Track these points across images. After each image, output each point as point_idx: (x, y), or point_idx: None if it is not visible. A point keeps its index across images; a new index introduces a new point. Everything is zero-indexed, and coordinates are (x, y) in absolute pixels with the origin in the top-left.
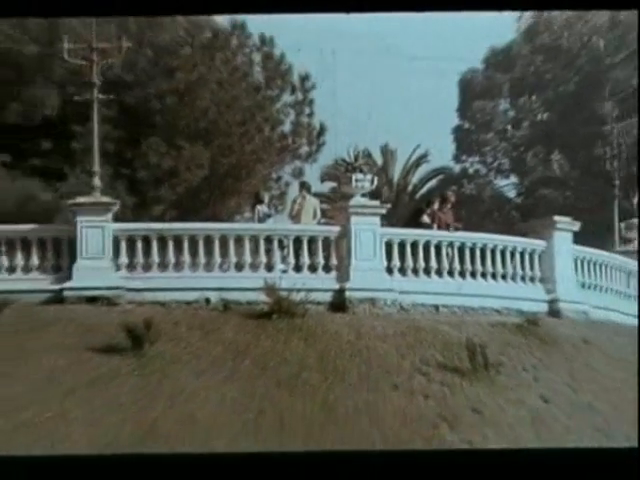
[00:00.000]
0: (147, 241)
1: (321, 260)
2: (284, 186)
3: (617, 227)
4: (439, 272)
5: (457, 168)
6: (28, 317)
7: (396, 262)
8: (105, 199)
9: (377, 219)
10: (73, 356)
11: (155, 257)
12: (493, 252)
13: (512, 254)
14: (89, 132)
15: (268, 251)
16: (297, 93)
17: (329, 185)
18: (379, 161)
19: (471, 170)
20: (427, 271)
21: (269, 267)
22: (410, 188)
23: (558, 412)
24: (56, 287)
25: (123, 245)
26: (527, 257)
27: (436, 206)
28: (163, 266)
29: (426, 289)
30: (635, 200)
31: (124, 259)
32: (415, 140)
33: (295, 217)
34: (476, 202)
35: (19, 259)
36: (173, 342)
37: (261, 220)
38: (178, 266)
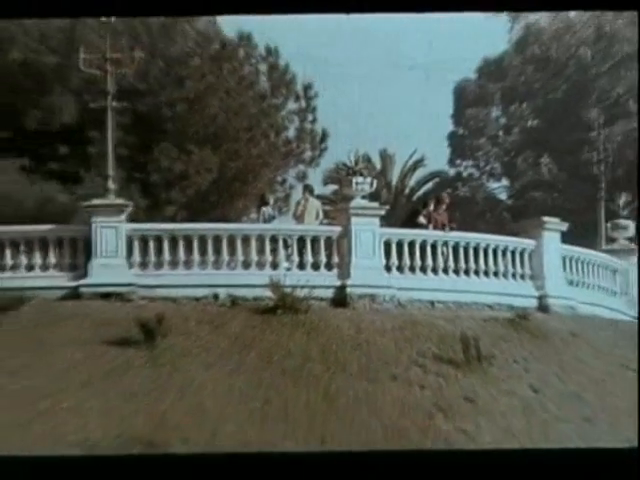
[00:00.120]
0: (159, 240)
1: (323, 258)
2: (288, 189)
3: (603, 227)
4: (435, 270)
5: (452, 172)
6: (46, 312)
7: (394, 260)
8: (119, 201)
9: (376, 220)
10: (89, 349)
11: (166, 256)
12: (486, 251)
13: (503, 253)
14: (104, 138)
15: (273, 250)
16: (301, 101)
17: (331, 188)
18: (378, 165)
19: (465, 174)
20: (423, 269)
21: (274, 265)
22: (407, 191)
23: (547, 402)
24: (73, 284)
25: (136, 244)
26: (518, 255)
27: (432, 207)
28: (174, 264)
29: (422, 286)
30: (620, 201)
31: (137, 257)
32: (412, 145)
33: (299, 218)
34: (470, 204)
35: (38, 258)
36: (183, 336)
37: (267, 221)
38: (188, 264)
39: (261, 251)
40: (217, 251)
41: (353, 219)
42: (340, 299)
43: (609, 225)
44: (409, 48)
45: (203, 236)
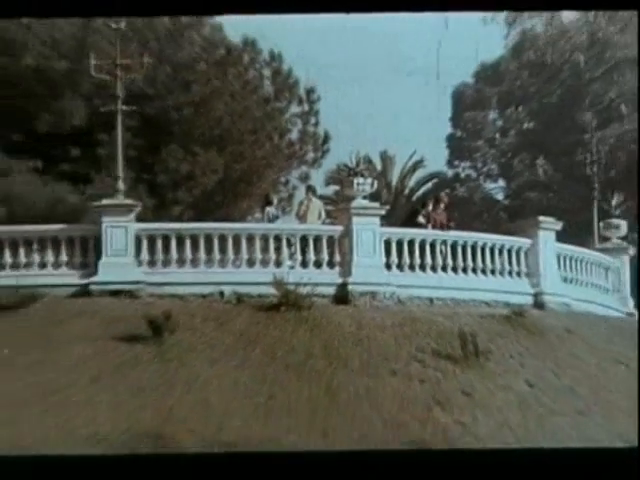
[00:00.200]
0: (166, 239)
1: (325, 257)
2: (291, 189)
3: (596, 226)
4: (433, 268)
5: (450, 173)
6: (57, 309)
7: (394, 259)
8: (128, 201)
9: (377, 219)
10: (98, 345)
11: (174, 254)
12: (483, 249)
13: (500, 251)
14: (113, 140)
15: (277, 249)
16: (303, 104)
17: (333, 188)
18: (379, 166)
19: (463, 174)
20: (422, 267)
21: (278, 263)
22: (407, 191)
23: (542, 396)
24: (83, 281)
25: (144, 243)
26: (514, 254)
27: (430, 207)
28: (181, 262)
29: (421, 283)
30: (613, 202)
31: (145, 256)
32: (412, 147)
33: (302, 217)
34: (467, 204)
35: (50, 256)
36: (190, 332)
37: (270, 220)
38: (195, 262)
39: (265, 250)
40: (223, 250)
41: (354, 219)
42: (342, 296)
43: (602, 224)
44: (408, 53)
45: (209, 235)
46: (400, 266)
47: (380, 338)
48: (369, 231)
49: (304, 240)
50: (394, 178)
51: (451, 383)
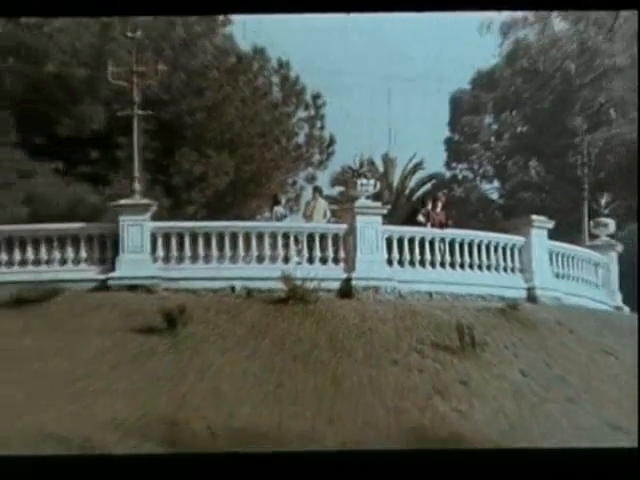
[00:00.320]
0: (180, 237)
1: (331, 253)
2: (299, 190)
3: (586, 225)
4: (432, 264)
5: (448, 174)
6: (77, 303)
7: (395, 255)
8: (144, 201)
9: (379, 218)
10: (116, 336)
11: (187, 251)
12: (479, 246)
13: (495, 248)
14: (131, 143)
15: (285, 246)
16: (310, 109)
17: (338, 189)
18: (381, 168)
19: (460, 176)
20: (422, 263)
21: (286, 259)
22: (407, 191)
23: (535, 384)
24: (102, 277)
25: (160, 241)
26: (508, 251)
27: (429, 207)
28: (194, 259)
29: (421, 278)
30: (602, 201)
31: (160, 253)
32: (412, 150)
33: (308, 217)
34: (464, 203)
35: (70, 253)
36: (203, 324)
37: (279, 219)
38: (207, 259)
39: (274, 247)
40: (234, 247)
41: (358, 217)
42: (346, 291)
43: (592, 223)
44: (409, 62)
45: (221, 233)
46: (401, 262)
47: (382, 330)
48: (372, 229)
49: (311, 238)
50: (395, 179)
51: (449, 373)
